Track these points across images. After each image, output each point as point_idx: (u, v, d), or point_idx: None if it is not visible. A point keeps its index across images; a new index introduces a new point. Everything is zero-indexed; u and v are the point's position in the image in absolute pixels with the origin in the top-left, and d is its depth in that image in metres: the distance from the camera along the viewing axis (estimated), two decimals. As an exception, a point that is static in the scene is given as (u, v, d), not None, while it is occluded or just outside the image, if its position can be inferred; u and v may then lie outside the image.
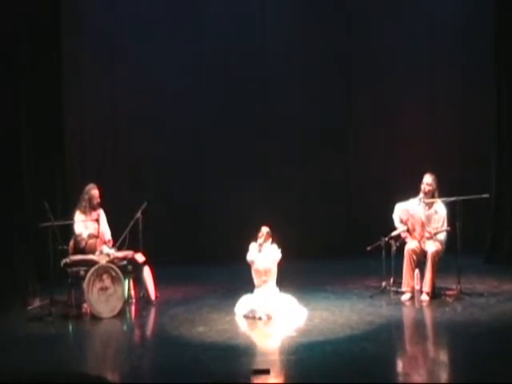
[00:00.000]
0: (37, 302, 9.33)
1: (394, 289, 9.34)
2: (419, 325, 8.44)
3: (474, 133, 12.31)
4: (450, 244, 9.20)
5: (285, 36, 12.66)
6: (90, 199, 9.22)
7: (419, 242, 9.17)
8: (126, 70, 12.34)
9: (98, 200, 9.26)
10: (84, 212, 9.22)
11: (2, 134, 9.73)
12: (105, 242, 9.14)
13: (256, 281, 8.76)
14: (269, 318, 8.40)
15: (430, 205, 9.30)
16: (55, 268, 8.83)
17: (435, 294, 9.12)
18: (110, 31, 12.34)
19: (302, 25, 12.65)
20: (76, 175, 11.25)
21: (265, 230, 8.83)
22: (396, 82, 12.55)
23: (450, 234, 9.16)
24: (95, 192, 9.27)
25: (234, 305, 8.75)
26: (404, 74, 12.53)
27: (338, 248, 12.32)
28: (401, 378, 6.52)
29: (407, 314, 8.84)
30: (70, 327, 8.56)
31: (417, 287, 9.19)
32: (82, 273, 8.72)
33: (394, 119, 12.52)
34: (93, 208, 9.24)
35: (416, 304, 8.99)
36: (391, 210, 9.38)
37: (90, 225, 9.20)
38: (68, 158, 11.14)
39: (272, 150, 12.60)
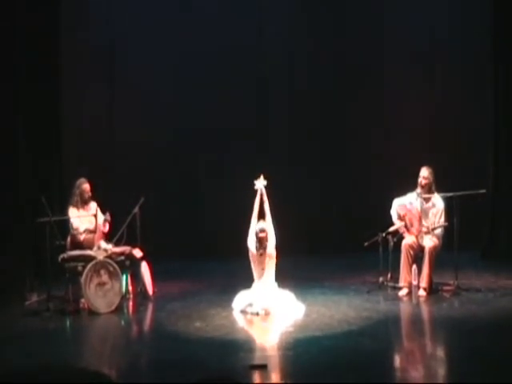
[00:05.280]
0: (34, 298, 9.30)
1: (391, 284, 9.36)
2: (416, 320, 8.45)
3: (473, 131, 12.31)
4: (447, 239, 9.22)
5: (284, 35, 12.61)
6: (81, 193, 9.22)
7: (416, 237, 9.17)
8: (125, 68, 12.29)
9: (90, 194, 9.26)
10: (76, 207, 9.21)
11: (1, 133, 9.71)
12: (104, 234, 9.14)
13: (255, 272, 8.71)
14: (266, 313, 8.40)
15: (427, 199, 9.31)
16: (53, 263, 8.81)
17: (432, 290, 9.13)
18: (109, 29, 12.29)
19: (301, 24, 12.60)
20: (74, 172, 11.20)
21: (261, 233, 8.67)
22: (396, 81, 12.53)
23: (447, 230, 9.18)
24: (86, 186, 9.26)
25: (231, 300, 8.75)
26: (404, 73, 12.50)
27: (336, 244, 12.34)
28: (398, 373, 6.54)
29: (404, 310, 8.85)
30: (68, 322, 8.55)
31: (414, 282, 9.20)
32: (79, 268, 8.70)
33: (393, 118, 12.51)
34: (84, 202, 9.23)
35: (413, 299, 9.01)
36: (389, 206, 9.39)
37: (86, 220, 9.20)
38: (66, 155, 11.12)
39: (272, 148, 12.60)
